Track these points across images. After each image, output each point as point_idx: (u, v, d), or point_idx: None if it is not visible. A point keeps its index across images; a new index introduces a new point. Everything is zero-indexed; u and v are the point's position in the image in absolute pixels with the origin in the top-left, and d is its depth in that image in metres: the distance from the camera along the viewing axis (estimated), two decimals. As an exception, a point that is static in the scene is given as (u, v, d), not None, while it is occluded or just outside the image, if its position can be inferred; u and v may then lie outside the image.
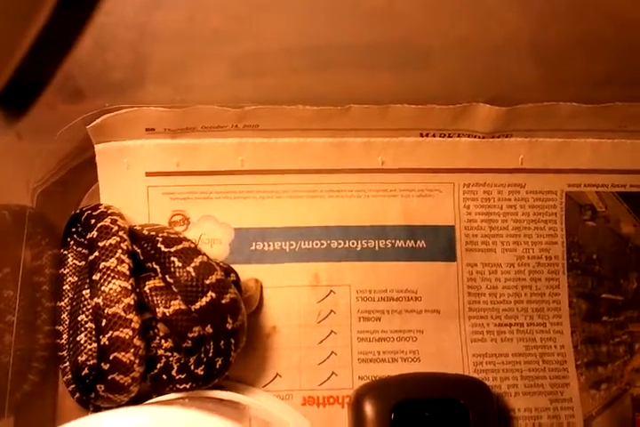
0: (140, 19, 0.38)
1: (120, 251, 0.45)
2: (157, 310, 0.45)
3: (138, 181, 0.52)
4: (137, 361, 0.43)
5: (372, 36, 0.42)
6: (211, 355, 0.44)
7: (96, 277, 0.44)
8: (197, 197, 0.53)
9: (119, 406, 0.45)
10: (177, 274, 0.44)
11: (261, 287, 0.51)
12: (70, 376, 0.47)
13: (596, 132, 0.54)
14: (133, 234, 0.47)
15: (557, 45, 0.44)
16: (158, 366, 0.46)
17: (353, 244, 0.53)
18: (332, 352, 0.51)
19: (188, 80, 0.47)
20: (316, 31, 0.42)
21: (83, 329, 0.47)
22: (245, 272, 0.50)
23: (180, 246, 0.45)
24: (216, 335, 0.43)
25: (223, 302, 0.43)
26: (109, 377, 0.43)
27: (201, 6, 0.38)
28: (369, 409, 0.46)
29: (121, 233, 0.46)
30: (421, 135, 0.54)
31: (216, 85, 0.48)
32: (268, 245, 0.52)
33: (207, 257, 0.45)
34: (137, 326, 0.43)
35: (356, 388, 0.49)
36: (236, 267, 0.50)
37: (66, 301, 0.49)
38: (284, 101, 0.49)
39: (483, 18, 0.41)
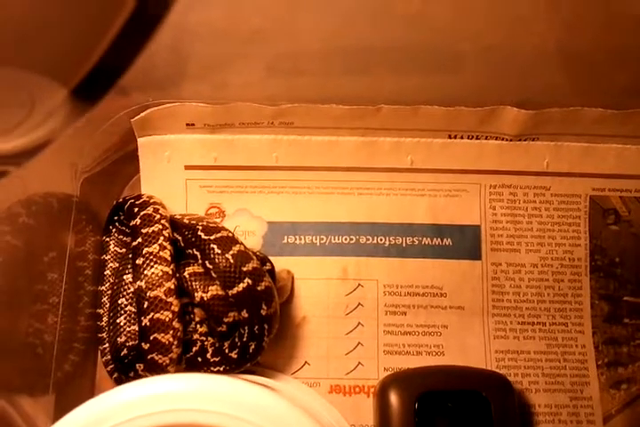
0: (180, 18, 0.39)
1: (162, 238, 0.46)
2: (196, 294, 0.46)
3: (177, 173, 0.54)
4: (175, 342, 0.45)
5: (405, 39, 0.44)
6: (245, 339, 0.45)
7: (139, 261, 0.45)
8: (233, 190, 0.54)
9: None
10: (216, 260, 0.45)
11: (293, 278, 0.52)
12: (109, 357, 0.49)
13: (621, 137, 0.55)
14: (174, 223, 0.49)
15: (584, 52, 0.45)
16: (194, 349, 0.47)
17: (381, 240, 0.54)
18: (359, 343, 0.52)
19: (226, 78, 0.49)
20: (351, 33, 0.43)
21: (122, 312, 0.48)
22: (278, 264, 0.51)
23: (219, 235, 0.47)
24: (250, 321, 0.45)
25: (259, 288, 0.45)
26: (149, 357, 0.44)
27: (239, 6, 0.40)
28: (394, 399, 0.47)
29: (163, 221, 0.47)
30: (450, 137, 0.54)
31: (252, 83, 0.50)
32: (300, 239, 0.54)
33: (244, 246, 0.47)
34: (176, 309, 0.45)
35: (381, 378, 0.50)
36: (268, 258, 0.51)
37: (107, 285, 0.51)
38: (317, 100, 0.51)
39: (512, 24, 0.42)
